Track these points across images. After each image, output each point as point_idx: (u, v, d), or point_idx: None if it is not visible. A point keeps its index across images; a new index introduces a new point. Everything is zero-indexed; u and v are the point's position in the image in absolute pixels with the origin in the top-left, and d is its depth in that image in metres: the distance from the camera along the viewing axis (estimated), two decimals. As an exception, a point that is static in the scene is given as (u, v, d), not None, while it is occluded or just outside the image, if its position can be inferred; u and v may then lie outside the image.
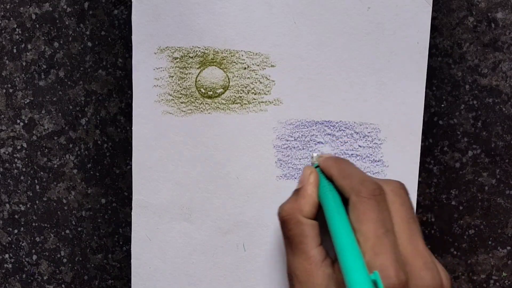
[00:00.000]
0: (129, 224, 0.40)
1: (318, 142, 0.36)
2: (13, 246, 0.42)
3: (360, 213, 0.28)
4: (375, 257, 0.27)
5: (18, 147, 0.41)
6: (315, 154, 0.35)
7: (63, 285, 0.42)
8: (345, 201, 0.29)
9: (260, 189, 0.36)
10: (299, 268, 0.29)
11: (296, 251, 0.30)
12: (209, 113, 0.36)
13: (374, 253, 0.27)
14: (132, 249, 0.37)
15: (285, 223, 0.31)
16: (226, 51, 0.36)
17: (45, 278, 0.42)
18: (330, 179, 0.31)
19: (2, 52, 0.40)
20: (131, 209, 0.37)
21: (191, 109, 0.36)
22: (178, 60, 0.36)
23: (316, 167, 0.33)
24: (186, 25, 0.35)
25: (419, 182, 0.38)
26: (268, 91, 0.36)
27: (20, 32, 0.40)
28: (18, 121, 0.41)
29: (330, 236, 0.28)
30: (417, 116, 0.35)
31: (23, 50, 0.40)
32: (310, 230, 0.30)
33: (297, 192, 0.32)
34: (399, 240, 0.28)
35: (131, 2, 0.36)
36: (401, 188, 0.30)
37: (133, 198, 0.37)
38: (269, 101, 0.36)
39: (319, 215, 0.31)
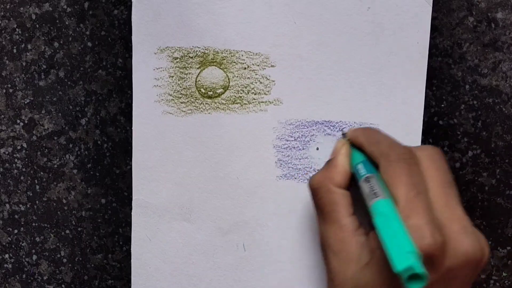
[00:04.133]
0: (129, 224, 0.40)
1: (318, 142, 0.36)
2: (13, 246, 0.42)
3: (390, 177, 0.27)
4: (407, 219, 0.25)
5: (18, 147, 0.41)
6: (345, 130, 0.34)
7: (63, 285, 0.42)
8: (376, 168, 0.29)
9: (260, 189, 0.36)
10: (332, 237, 0.29)
11: (328, 220, 0.29)
12: (209, 113, 0.36)
13: (405, 215, 0.26)
14: (132, 249, 0.37)
15: (315, 191, 0.30)
16: (226, 51, 0.35)
17: (45, 278, 0.42)
18: (360, 148, 0.31)
19: (2, 52, 0.40)
20: (131, 209, 0.37)
21: (191, 109, 0.36)
22: (178, 60, 0.36)
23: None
24: (186, 25, 0.35)
25: (419, 182, 0.38)
26: (268, 91, 0.36)
27: (20, 32, 0.40)
28: (18, 121, 0.41)
29: (364, 209, 0.28)
30: (417, 116, 0.35)
31: (23, 50, 0.40)
32: (341, 198, 0.29)
33: (328, 163, 0.31)
34: (435, 205, 0.27)
35: (131, 2, 0.36)
36: (437, 153, 0.29)
37: (133, 198, 0.37)
38: (269, 101, 0.36)
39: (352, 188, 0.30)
